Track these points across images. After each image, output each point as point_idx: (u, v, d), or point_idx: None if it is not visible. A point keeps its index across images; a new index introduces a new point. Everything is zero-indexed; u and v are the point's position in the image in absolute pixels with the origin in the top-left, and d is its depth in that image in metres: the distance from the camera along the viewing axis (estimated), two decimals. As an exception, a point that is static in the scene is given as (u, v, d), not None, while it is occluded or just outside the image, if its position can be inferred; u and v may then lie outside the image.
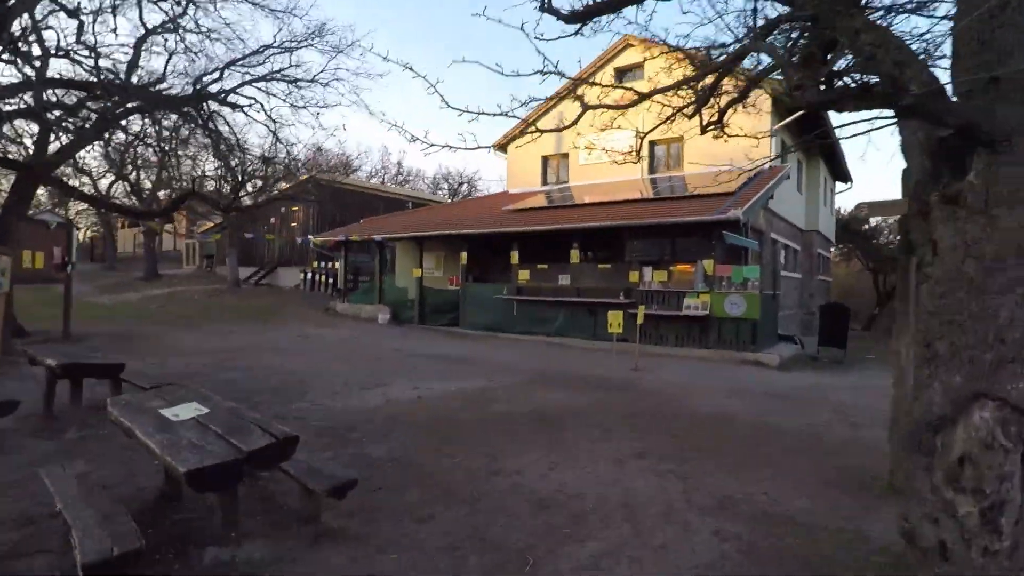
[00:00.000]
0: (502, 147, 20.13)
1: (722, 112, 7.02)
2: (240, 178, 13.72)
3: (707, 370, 9.85)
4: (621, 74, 17.56)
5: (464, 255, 14.90)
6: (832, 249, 25.61)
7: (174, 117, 11.50)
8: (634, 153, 7.46)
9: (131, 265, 33.54)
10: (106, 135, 11.88)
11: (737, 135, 7.58)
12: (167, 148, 13.33)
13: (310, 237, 18.93)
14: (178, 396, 3.54)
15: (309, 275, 23.28)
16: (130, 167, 21.61)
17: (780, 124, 14.87)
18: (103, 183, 24.64)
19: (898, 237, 4.27)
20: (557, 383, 8.17)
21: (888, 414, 4.57)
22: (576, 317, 12.83)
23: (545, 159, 19.19)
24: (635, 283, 12.00)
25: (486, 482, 4.26)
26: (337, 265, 21.30)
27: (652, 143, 16.77)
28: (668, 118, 7.42)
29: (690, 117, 4.42)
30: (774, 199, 14.67)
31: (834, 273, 28.09)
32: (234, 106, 10.67)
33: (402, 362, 9.77)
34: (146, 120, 11.46)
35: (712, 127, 7.27)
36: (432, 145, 3.96)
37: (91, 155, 19.08)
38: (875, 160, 64.80)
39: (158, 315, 15.84)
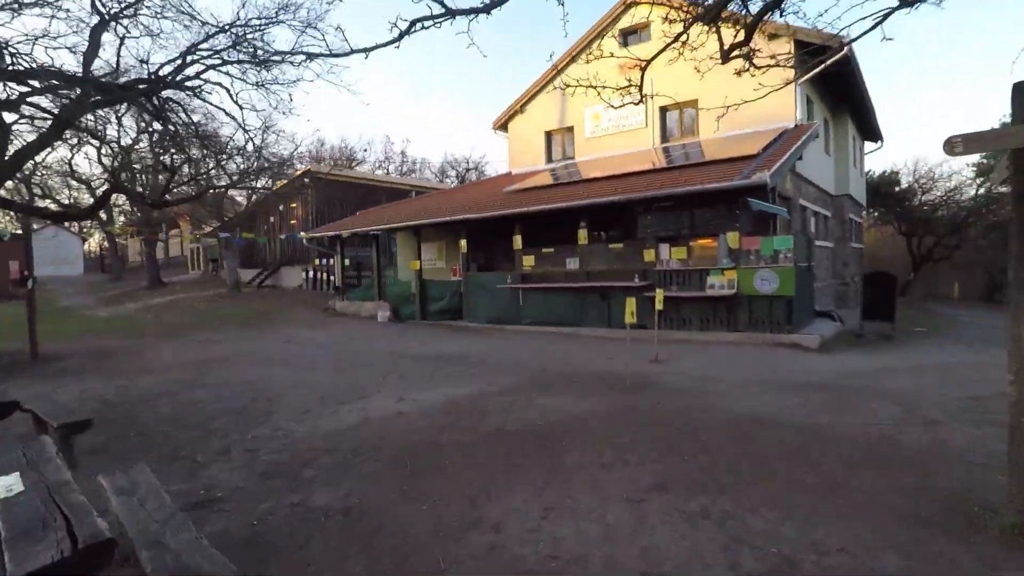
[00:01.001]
0: (502, 126, 18.94)
1: (750, 29, 5.71)
2: (172, 171, 12.68)
3: (737, 357, 8.65)
4: (626, 36, 16.18)
5: (463, 243, 13.80)
6: (863, 214, 23.94)
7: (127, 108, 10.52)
8: (635, 89, 6.19)
9: (140, 274, 33.21)
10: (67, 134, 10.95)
11: (766, 64, 6.28)
12: (124, 145, 12.37)
13: (301, 234, 17.98)
14: (7, 462, 2.52)
15: (311, 274, 22.46)
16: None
17: (804, 78, 13.41)
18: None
19: (1002, 181, 3.03)
20: (563, 384, 7.06)
21: (990, 411, 3.38)
22: (587, 304, 11.68)
23: (549, 135, 17.93)
24: (651, 263, 10.79)
25: (458, 541, 3.20)
26: (330, 261, 20.42)
27: (663, 109, 15.43)
28: (678, 36, 6.10)
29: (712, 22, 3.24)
30: (802, 161, 13.27)
31: (865, 240, 26.41)
32: (192, 90, 9.60)
33: (393, 366, 8.76)
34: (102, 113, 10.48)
35: (738, 50, 5.95)
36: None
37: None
38: (909, 115, 61.65)
39: (152, 326, 15.07)
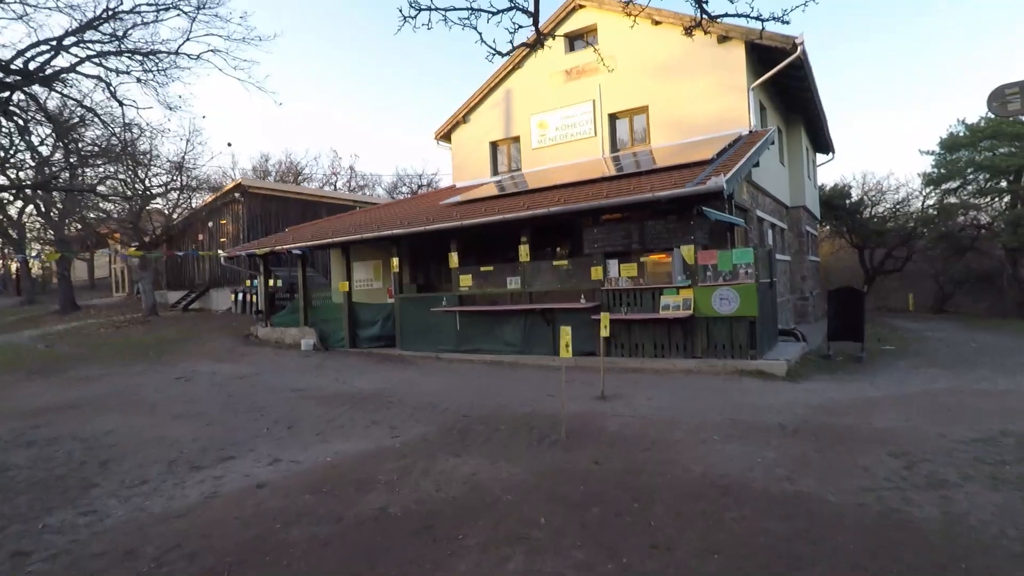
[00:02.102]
0: (445, 136, 17.70)
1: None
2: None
3: (696, 389, 7.48)
4: (573, 41, 15.24)
5: (395, 261, 12.37)
6: (817, 226, 23.64)
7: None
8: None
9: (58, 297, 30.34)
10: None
11: (725, 15, 5.30)
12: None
13: (219, 253, 16.18)
14: None
15: (241, 296, 20.52)
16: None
17: (757, 82, 12.67)
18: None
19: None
20: (484, 436, 5.71)
21: (1004, 459, 2.21)
22: (532, 328, 10.40)
23: (494, 145, 16.75)
24: (599, 281, 9.61)
25: None
26: (271, 282, 18.59)
27: (612, 116, 14.47)
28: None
29: None
30: (758, 169, 12.44)
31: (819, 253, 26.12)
32: (49, 83, 7.98)
33: (288, 412, 7.22)
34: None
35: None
36: None
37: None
38: (856, 129, 63.37)
39: (36, 357, 13.00)
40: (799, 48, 11.71)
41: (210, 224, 23.00)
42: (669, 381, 8.08)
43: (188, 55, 9.84)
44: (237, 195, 21.34)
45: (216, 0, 10.80)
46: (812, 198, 19.82)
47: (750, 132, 12.23)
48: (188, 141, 22.09)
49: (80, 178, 21.60)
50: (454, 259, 11.38)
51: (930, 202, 26.07)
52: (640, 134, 14.20)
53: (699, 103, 13.07)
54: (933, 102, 65.45)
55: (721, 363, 8.44)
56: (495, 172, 16.66)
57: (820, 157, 21.96)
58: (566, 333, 6.32)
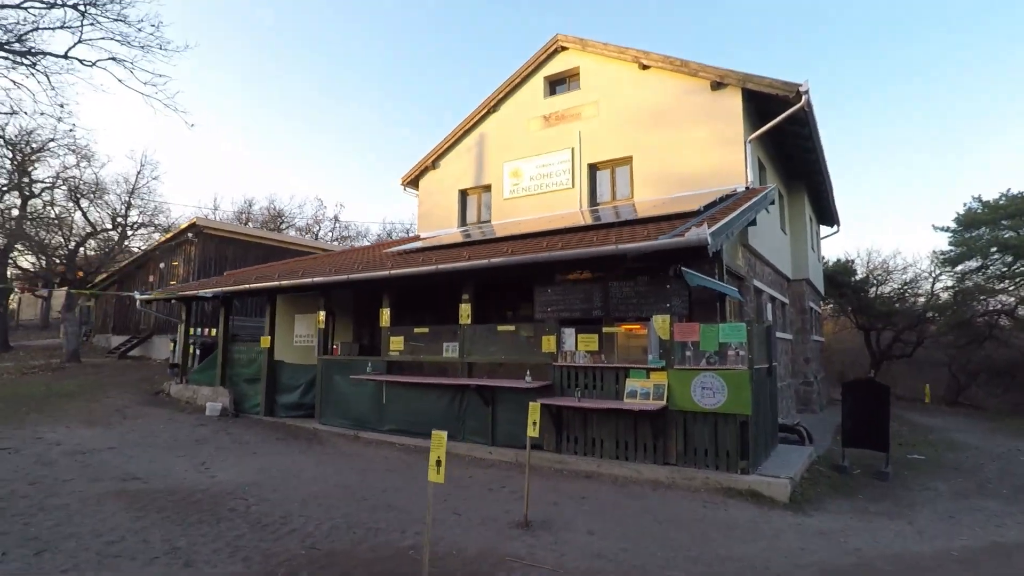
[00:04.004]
0: (412, 182, 16.12)
1: None
2: None
3: (662, 521, 5.28)
4: (554, 85, 13.88)
5: (321, 315, 10.38)
6: (821, 303, 21.74)
7: None
8: None
9: (19, 335, 28.20)
10: None
11: None
12: None
13: (136, 294, 14.20)
14: None
15: (179, 344, 18.37)
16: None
17: (756, 134, 11.10)
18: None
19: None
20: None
21: None
22: (468, 408, 8.27)
23: (463, 194, 15.12)
24: (551, 354, 7.57)
25: None
26: (214, 332, 16.45)
27: (592, 167, 12.87)
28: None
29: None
30: (756, 231, 10.66)
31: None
32: None
33: (72, 520, 5.02)
34: None
35: None
36: None
37: None
38: (860, 202, 62.51)
39: None
40: (803, 98, 10.17)
41: (161, 265, 21.19)
42: (628, 500, 5.88)
43: (81, 60, 8.28)
44: (191, 235, 19.64)
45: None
46: (816, 272, 18.03)
47: (747, 189, 10.52)
48: (139, 173, 20.50)
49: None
50: (385, 316, 9.39)
51: (942, 284, 24.29)
52: (623, 187, 12.52)
53: (689, 155, 11.46)
54: (941, 178, 64.94)
55: (701, 476, 6.26)
56: (463, 222, 14.95)
57: (824, 229, 20.40)
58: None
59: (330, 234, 37.79)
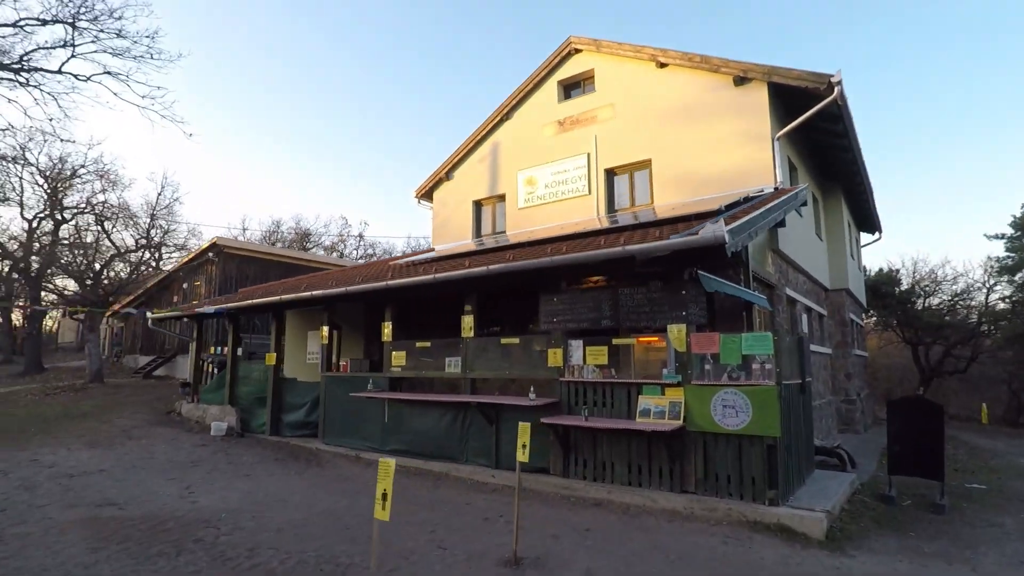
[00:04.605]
0: (426, 195, 15.81)
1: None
2: None
3: (677, 556, 4.59)
4: (568, 89, 13.42)
5: (324, 331, 10.02)
6: (863, 316, 20.44)
7: None
8: None
9: (57, 357, 29.05)
10: None
11: None
12: None
13: (147, 313, 14.15)
14: None
15: (201, 364, 18.36)
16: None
17: (784, 130, 10.35)
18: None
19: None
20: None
21: None
22: (471, 427, 7.69)
23: (478, 204, 14.71)
24: (557, 369, 6.96)
25: None
26: (215, 350, 16.31)
27: (610, 172, 12.29)
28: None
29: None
30: (787, 236, 9.88)
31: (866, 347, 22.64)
32: None
33: (26, 558, 4.64)
34: None
35: None
36: None
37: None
38: (905, 208, 59.57)
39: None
40: (835, 90, 9.41)
41: (184, 285, 21.40)
42: (638, 533, 5.19)
43: (76, 75, 8.23)
44: (211, 255, 19.75)
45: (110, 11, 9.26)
46: (856, 282, 16.91)
47: (776, 189, 9.77)
48: (160, 193, 20.80)
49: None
50: (387, 330, 8.95)
51: (998, 295, 22.62)
52: (642, 192, 11.89)
53: (713, 156, 10.79)
54: (993, 185, 61.58)
55: (723, 506, 5.52)
56: (478, 234, 14.52)
57: (865, 237, 19.24)
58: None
59: (355, 252, 37.97)
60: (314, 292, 9.19)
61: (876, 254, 59.01)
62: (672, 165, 11.34)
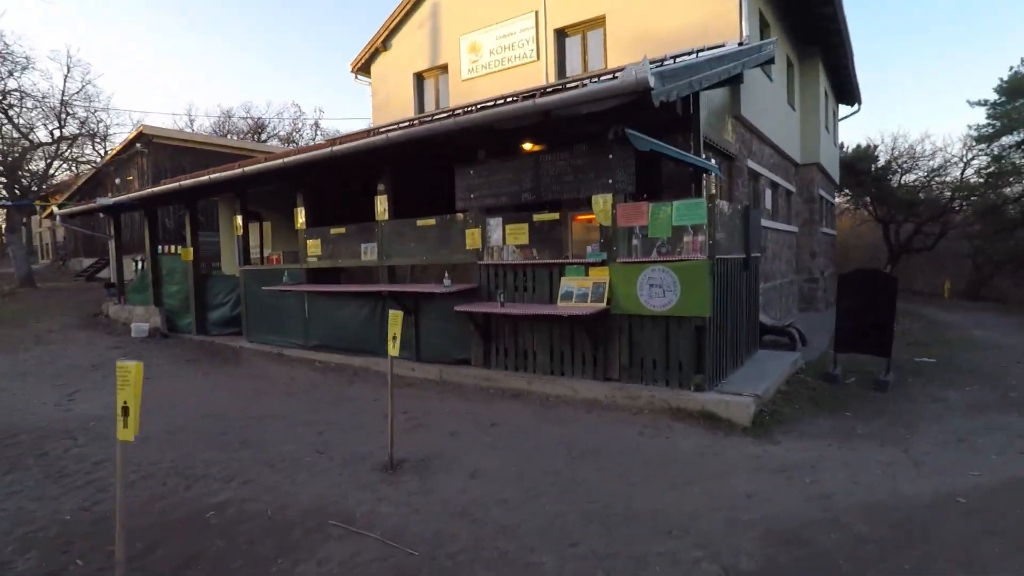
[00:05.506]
0: (363, 68, 14.07)
1: None
2: None
3: (582, 451, 4.08)
4: (513, -67, 11.43)
5: (238, 220, 9.01)
6: (836, 194, 19.73)
7: None
8: None
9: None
10: None
11: None
12: None
13: (55, 208, 12.88)
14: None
15: (140, 265, 17.33)
16: None
17: (755, -27, 8.86)
18: None
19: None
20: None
21: None
22: (388, 319, 7.00)
23: (419, 77, 13.13)
24: (475, 251, 6.16)
25: None
26: (176, 248, 15.21)
27: (560, 32, 10.78)
28: None
29: None
30: (753, 105, 8.80)
31: (837, 226, 22.17)
32: None
33: None
34: None
35: None
36: None
37: None
38: (893, 76, 56.74)
39: None
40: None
41: (117, 180, 19.74)
42: (549, 427, 4.68)
43: None
44: (139, 146, 17.97)
45: None
46: (830, 157, 15.95)
47: (740, 46, 8.51)
48: (66, 77, 18.50)
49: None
50: (300, 218, 7.98)
51: (973, 169, 21.89)
52: (595, 56, 10.49)
53: (672, 10, 9.39)
54: (980, 54, 58.71)
55: (647, 394, 5.00)
56: (420, 110, 13.08)
57: (844, 109, 18.01)
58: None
59: (312, 142, 35.60)
60: (212, 176, 8.06)
61: (854, 129, 56.81)
62: (629, 24, 9.88)
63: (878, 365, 6.36)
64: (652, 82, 4.20)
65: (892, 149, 24.11)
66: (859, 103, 17.47)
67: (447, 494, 3.42)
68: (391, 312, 4.00)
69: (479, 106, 5.95)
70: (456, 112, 5.77)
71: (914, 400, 5.53)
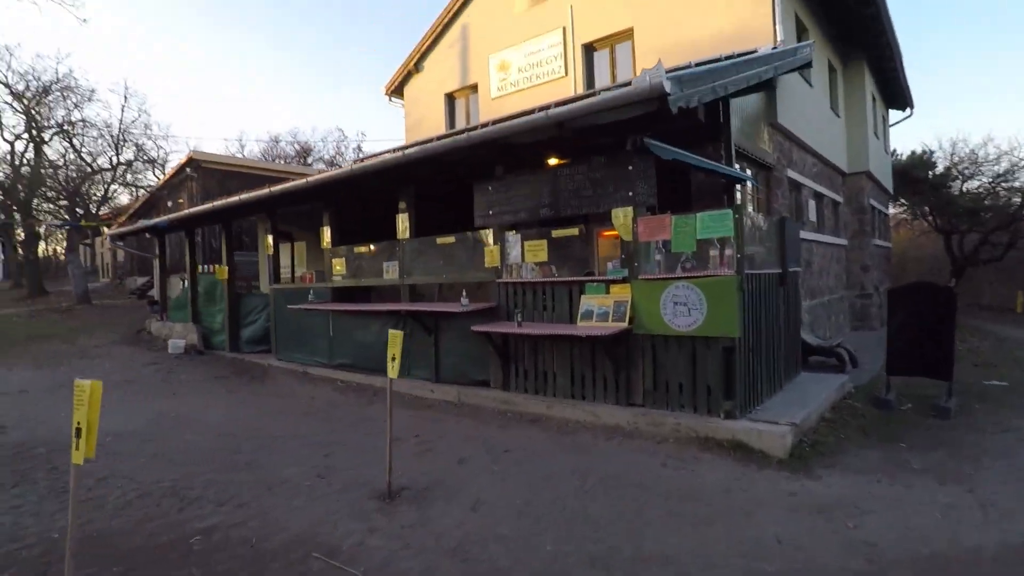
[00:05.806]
0: (396, 91, 14.26)
1: None
2: None
3: (594, 484, 3.77)
4: (542, -50, 11.39)
5: (269, 239, 9.13)
6: (889, 204, 18.65)
7: None
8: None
9: (66, 281, 29.23)
10: None
11: None
12: None
13: (105, 230, 13.44)
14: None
15: (184, 283, 17.95)
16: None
17: (792, -26, 8.47)
18: None
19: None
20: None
21: None
22: (412, 339, 6.86)
23: (450, 97, 13.19)
24: (494, 269, 5.96)
25: None
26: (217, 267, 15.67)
27: (588, 47, 10.61)
28: None
29: None
30: (791, 112, 8.37)
31: (892, 238, 20.94)
32: None
33: None
34: None
35: None
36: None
37: None
38: (950, 77, 53.34)
39: None
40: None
41: (169, 204, 20.62)
42: (564, 455, 4.38)
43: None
44: (189, 171, 18.75)
45: None
46: (881, 165, 15.10)
47: (774, 50, 8.11)
48: (123, 107, 19.48)
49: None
50: (326, 237, 8.00)
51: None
52: (624, 68, 10.27)
53: (703, 17, 9.09)
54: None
55: (672, 420, 4.64)
56: (452, 126, 13.10)
57: (894, 115, 17.09)
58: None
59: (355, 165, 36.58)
60: (242, 197, 8.21)
61: (907, 135, 53.92)
62: (657, 35, 9.64)
63: (938, 389, 5.77)
64: (668, 87, 3.93)
65: (951, 154, 22.69)
66: (911, 107, 16.57)
67: (443, 527, 3.18)
68: (391, 332, 3.84)
69: (493, 121, 5.80)
70: (471, 128, 5.64)
71: (980, 430, 4.95)
